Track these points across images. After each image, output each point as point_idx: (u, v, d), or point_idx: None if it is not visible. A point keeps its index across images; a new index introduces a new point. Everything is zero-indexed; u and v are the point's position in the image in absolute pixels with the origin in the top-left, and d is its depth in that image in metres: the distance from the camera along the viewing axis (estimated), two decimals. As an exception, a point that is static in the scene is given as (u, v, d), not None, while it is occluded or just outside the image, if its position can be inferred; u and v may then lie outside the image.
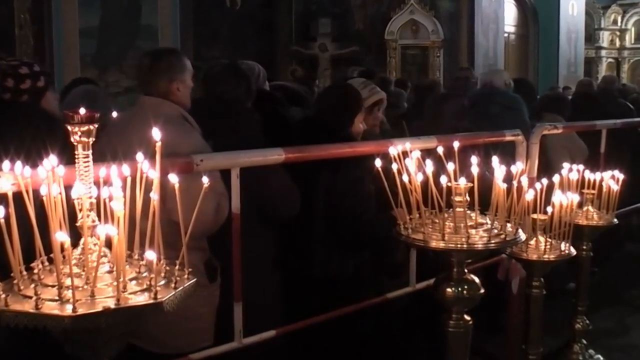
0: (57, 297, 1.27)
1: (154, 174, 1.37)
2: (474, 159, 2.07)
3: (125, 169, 1.39)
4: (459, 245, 2.02)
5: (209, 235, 2.60)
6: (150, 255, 1.34)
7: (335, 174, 3.05)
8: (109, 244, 1.31)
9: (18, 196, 1.31)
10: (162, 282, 1.37)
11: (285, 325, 2.80)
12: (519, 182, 2.20)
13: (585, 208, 3.12)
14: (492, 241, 2.04)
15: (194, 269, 2.58)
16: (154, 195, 1.36)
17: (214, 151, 2.57)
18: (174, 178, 1.44)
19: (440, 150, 2.21)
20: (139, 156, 1.40)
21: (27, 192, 1.32)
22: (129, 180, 1.37)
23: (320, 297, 3.06)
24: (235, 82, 3.17)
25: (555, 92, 7.08)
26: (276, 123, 3.33)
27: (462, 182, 2.05)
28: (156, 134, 1.41)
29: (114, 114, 3.26)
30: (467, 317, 2.17)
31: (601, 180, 3.09)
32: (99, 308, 1.25)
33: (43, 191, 1.32)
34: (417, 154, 2.15)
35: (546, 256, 2.71)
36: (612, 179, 3.09)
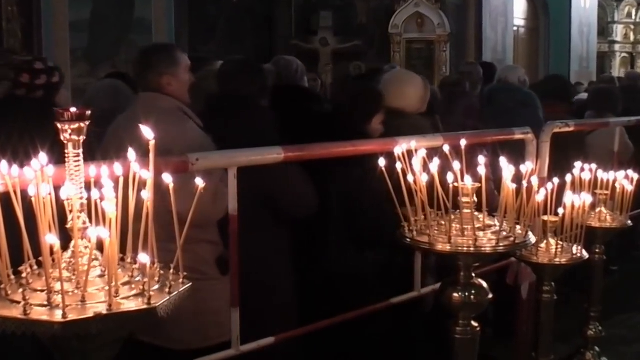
0: (46, 303, 1.27)
1: (148, 174, 1.37)
2: (482, 159, 2.07)
3: (118, 168, 1.39)
4: (466, 249, 2.02)
5: (211, 223, 2.62)
6: (144, 258, 1.33)
7: (351, 169, 3.08)
8: (100, 246, 1.31)
9: (5, 197, 1.31)
10: (156, 287, 1.37)
11: (300, 325, 2.86)
12: (529, 182, 2.20)
13: (598, 209, 3.11)
14: (501, 244, 2.04)
15: (203, 262, 2.65)
16: (147, 195, 1.36)
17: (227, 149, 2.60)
18: (168, 178, 1.44)
19: (446, 148, 2.21)
20: (131, 155, 1.39)
21: (15, 192, 1.31)
22: (121, 180, 1.37)
23: (334, 295, 3.12)
24: (249, 79, 3.21)
25: (602, 85, 7.01)
26: (306, 120, 3.39)
27: (469, 182, 2.05)
28: (147, 131, 1.40)
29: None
30: (474, 323, 2.17)
31: (615, 181, 3.08)
32: (90, 314, 1.25)
33: (31, 191, 1.32)
34: (422, 152, 2.15)
35: (557, 260, 2.70)
36: (626, 179, 3.08)
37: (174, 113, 2.77)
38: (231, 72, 3.27)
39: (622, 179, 3.07)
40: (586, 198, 2.84)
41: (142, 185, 1.37)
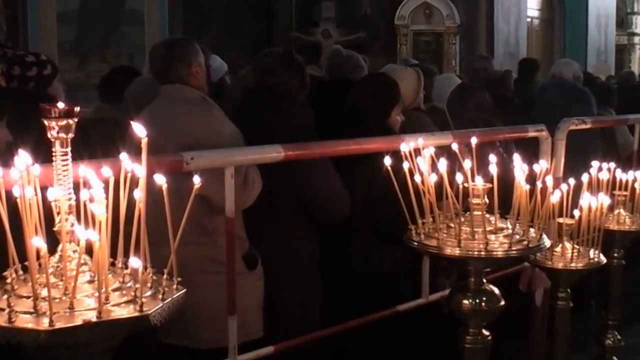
0: (32, 310, 1.27)
1: (141, 173, 1.37)
2: (493, 157, 2.07)
3: (106, 169, 1.39)
4: (476, 253, 2.02)
5: (239, 209, 2.68)
6: (135, 262, 1.33)
7: (374, 167, 3.13)
8: (90, 250, 1.30)
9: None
10: (149, 293, 1.37)
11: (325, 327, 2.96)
12: (544, 182, 2.20)
13: (616, 211, 3.11)
14: (514, 248, 2.04)
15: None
16: (140, 195, 1.36)
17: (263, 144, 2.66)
18: (160, 178, 1.44)
19: (455, 147, 2.21)
20: (123, 155, 1.39)
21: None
22: (119, 180, 1.37)
23: (358, 294, 3.22)
24: (290, 73, 3.27)
25: (597, 81, 7.20)
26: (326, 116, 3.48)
27: (480, 182, 2.05)
28: (140, 131, 1.40)
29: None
30: (485, 332, 2.17)
31: (634, 181, 3.08)
32: (78, 321, 1.25)
33: (16, 192, 1.32)
34: (430, 151, 2.14)
35: (573, 264, 2.70)
36: (646, 179, 3.08)
37: (199, 102, 2.94)
38: (270, 65, 3.31)
39: (642, 179, 3.07)
40: (604, 199, 2.84)
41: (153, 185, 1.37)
